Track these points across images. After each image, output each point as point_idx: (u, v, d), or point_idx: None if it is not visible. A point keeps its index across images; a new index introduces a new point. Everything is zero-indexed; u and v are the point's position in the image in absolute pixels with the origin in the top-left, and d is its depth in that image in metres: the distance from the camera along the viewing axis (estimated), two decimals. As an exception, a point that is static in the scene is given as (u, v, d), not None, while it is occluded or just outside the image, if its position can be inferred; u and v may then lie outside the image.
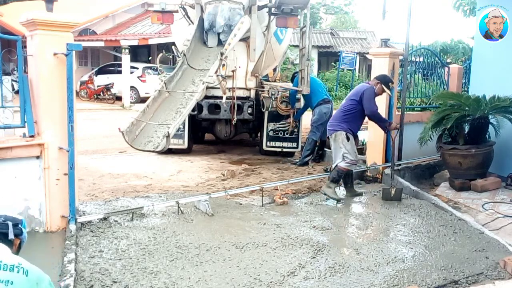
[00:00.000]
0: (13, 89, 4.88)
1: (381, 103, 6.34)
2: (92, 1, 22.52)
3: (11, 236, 2.21)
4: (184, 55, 6.37)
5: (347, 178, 5.72)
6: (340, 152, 5.45)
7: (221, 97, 6.73)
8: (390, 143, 6.42)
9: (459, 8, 11.39)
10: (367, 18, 70.05)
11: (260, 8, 7.41)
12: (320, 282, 3.38)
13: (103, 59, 22.47)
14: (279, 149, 7.96)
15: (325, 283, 3.36)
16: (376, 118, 5.56)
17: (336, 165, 5.47)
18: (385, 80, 5.59)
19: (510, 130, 5.70)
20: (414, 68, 7.52)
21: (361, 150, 7.40)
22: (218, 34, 6.93)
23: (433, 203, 5.23)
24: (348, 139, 5.42)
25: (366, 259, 3.77)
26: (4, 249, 2.12)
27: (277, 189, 5.66)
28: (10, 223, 2.22)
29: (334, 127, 5.56)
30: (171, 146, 6.40)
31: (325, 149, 7.92)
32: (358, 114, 5.48)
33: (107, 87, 18.42)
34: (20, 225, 2.28)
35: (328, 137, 5.91)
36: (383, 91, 5.58)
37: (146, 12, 22.57)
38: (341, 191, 5.88)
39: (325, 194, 5.47)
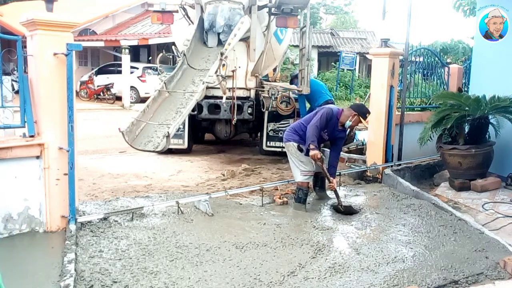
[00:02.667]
0: (13, 89, 4.88)
1: (381, 103, 6.36)
2: (92, 1, 22.56)
3: None
4: (184, 55, 6.37)
5: (316, 181, 5.49)
6: (295, 165, 5.16)
7: (221, 97, 6.73)
8: (390, 143, 6.44)
9: (459, 8, 11.42)
10: (367, 18, 70.12)
11: (260, 8, 7.41)
12: (320, 282, 3.38)
13: (103, 59, 22.48)
14: (279, 149, 7.96)
15: (325, 283, 3.36)
16: (309, 132, 4.97)
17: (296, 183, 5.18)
18: (362, 111, 5.17)
19: (510, 130, 5.70)
20: (414, 68, 7.52)
21: (361, 150, 7.40)
22: (218, 34, 6.93)
23: (433, 203, 5.22)
24: (301, 150, 5.09)
25: (366, 259, 3.77)
26: None
27: (277, 189, 5.66)
28: None
29: (288, 135, 5.22)
30: (171, 146, 6.40)
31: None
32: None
33: (107, 87, 18.42)
34: None
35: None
36: (359, 122, 5.20)
37: (146, 12, 22.63)
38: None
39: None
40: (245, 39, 7.36)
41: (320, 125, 5.01)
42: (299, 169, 5.13)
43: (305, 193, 5.17)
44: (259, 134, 8.61)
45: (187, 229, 4.29)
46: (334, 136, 5.24)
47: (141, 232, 4.17)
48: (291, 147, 5.17)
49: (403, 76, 6.66)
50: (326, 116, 5.05)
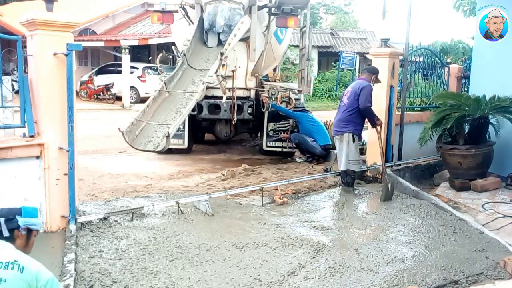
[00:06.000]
0: (13, 89, 4.89)
1: (381, 103, 6.36)
2: (92, 1, 22.52)
3: (5, 233, 2.10)
4: (184, 55, 6.36)
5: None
6: (345, 153, 5.62)
7: (221, 97, 6.73)
8: (390, 143, 6.44)
9: (459, 8, 11.40)
10: (367, 18, 70.10)
11: (260, 8, 7.40)
12: (320, 282, 3.38)
13: (103, 59, 22.46)
14: (279, 149, 7.97)
15: (325, 283, 3.36)
16: (368, 113, 5.65)
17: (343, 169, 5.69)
18: (376, 72, 5.87)
19: (510, 130, 5.70)
20: (414, 68, 7.52)
21: (361, 150, 7.39)
22: (218, 34, 6.92)
23: (433, 203, 5.22)
24: (354, 140, 5.63)
25: (366, 259, 3.77)
26: (2, 246, 2.05)
27: (277, 189, 5.66)
28: (2, 219, 2.12)
29: (341, 128, 5.68)
30: (171, 146, 6.39)
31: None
32: (360, 112, 5.62)
33: (107, 87, 18.40)
34: (18, 216, 2.16)
35: (333, 137, 6.01)
36: (376, 81, 5.85)
37: (146, 12, 22.59)
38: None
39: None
40: (245, 39, 7.36)
41: (371, 100, 5.59)
42: (349, 158, 5.62)
43: (352, 178, 5.77)
44: (259, 134, 8.60)
45: (187, 229, 4.29)
46: None
47: (141, 232, 4.17)
48: (346, 137, 5.61)
49: (403, 76, 6.66)
50: (370, 91, 5.58)
